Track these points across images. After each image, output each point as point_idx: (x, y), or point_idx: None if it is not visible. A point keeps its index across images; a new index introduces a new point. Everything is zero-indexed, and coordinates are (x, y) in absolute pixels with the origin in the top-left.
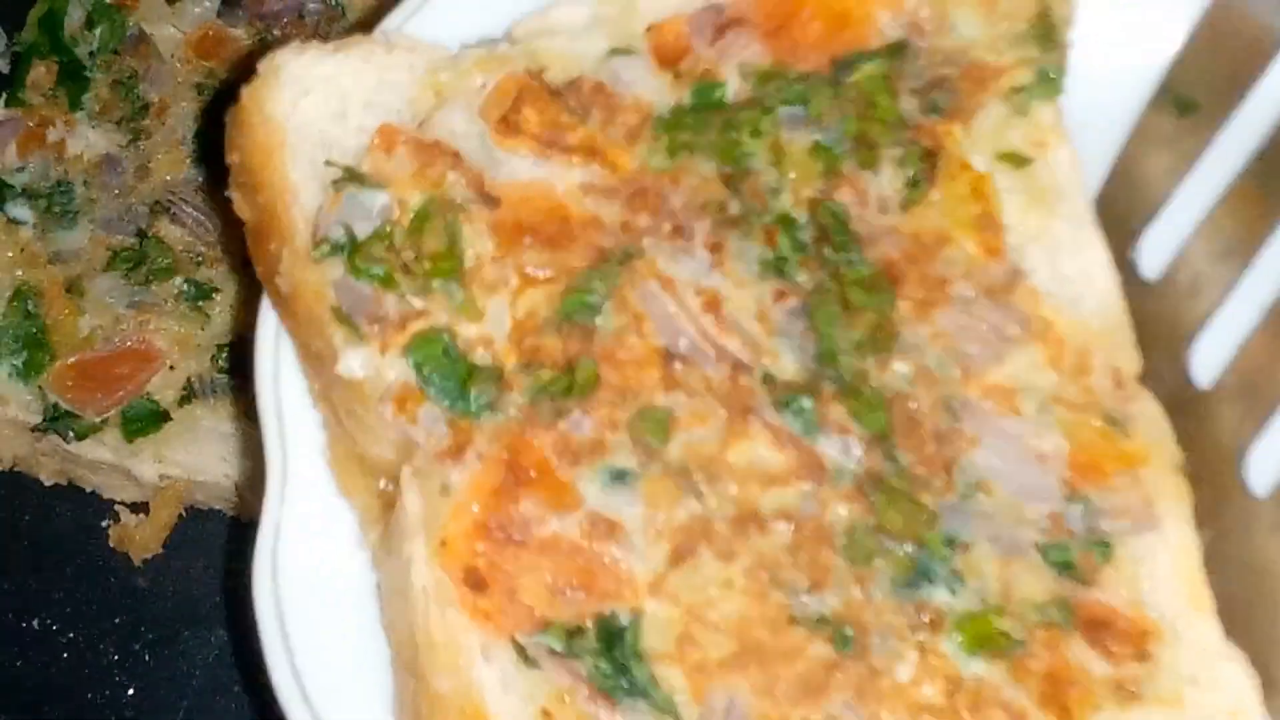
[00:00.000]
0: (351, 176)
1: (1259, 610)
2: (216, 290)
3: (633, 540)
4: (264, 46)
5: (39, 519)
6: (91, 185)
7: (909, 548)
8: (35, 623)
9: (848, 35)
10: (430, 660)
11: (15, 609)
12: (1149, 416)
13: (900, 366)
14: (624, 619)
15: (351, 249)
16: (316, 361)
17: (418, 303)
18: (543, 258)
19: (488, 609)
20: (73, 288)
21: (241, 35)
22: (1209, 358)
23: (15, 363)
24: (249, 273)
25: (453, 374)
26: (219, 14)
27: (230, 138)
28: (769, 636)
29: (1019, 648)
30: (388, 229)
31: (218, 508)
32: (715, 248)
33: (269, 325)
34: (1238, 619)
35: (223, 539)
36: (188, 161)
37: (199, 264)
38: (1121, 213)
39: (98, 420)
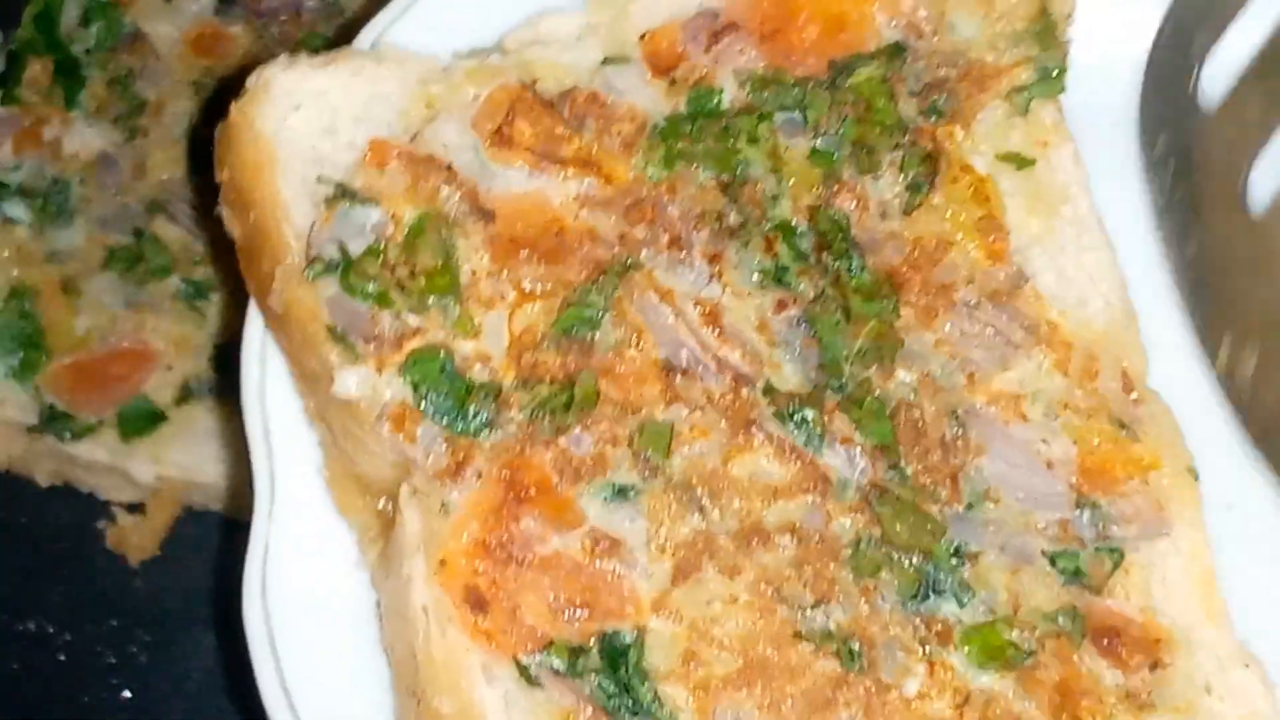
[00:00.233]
0: (343, 192)
1: None
2: (213, 290)
3: (635, 557)
4: (262, 45)
5: (35, 520)
6: (88, 184)
7: (916, 559)
8: (32, 624)
9: (845, 38)
10: (431, 681)
11: (11, 611)
12: (1159, 419)
13: (904, 375)
14: (627, 637)
15: (345, 266)
16: (311, 381)
17: (413, 320)
18: (539, 271)
19: (489, 628)
20: (69, 287)
21: (239, 33)
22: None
23: (11, 363)
24: (240, 288)
25: (450, 392)
26: (216, 11)
27: (219, 154)
28: (775, 652)
29: (1029, 659)
30: (382, 245)
31: (215, 509)
32: (714, 258)
33: (254, 344)
34: None
35: (219, 540)
36: (184, 160)
37: (196, 263)
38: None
39: (94, 421)
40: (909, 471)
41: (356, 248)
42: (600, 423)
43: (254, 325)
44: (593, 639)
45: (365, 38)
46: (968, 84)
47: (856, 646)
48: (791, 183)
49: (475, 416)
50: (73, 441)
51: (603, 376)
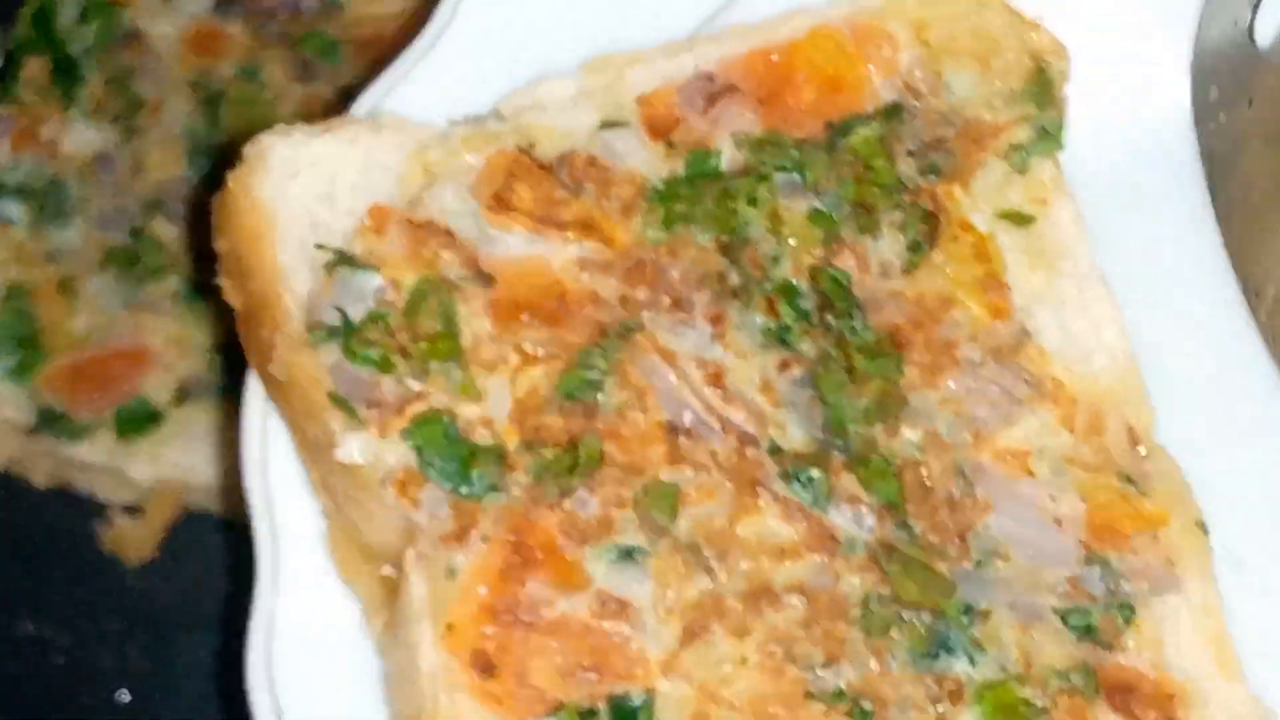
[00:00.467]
0: (343, 259)
1: None
2: (212, 290)
3: (644, 619)
4: (261, 44)
5: (32, 522)
6: (85, 183)
7: (926, 617)
8: (30, 626)
9: (841, 100)
10: None
11: (9, 613)
12: (1166, 474)
13: (910, 433)
14: (637, 699)
15: (346, 332)
16: (314, 449)
17: (416, 385)
18: (541, 335)
19: (498, 692)
20: (66, 287)
21: (237, 32)
22: None
23: (8, 363)
24: (239, 362)
25: (454, 456)
26: (214, 10)
27: (218, 225)
28: (786, 713)
29: (1042, 716)
30: (383, 311)
31: (213, 510)
32: (716, 319)
33: (255, 415)
34: None
35: (218, 542)
36: (183, 159)
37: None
38: None
39: (92, 421)
40: (917, 529)
41: (357, 313)
42: (605, 485)
43: (254, 396)
44: (602, 701)
45: (362, 106)
46: (966, 143)
47: (868, 706)
48: (792, 243)
49: (480, 480)
50: (70, 442)
51: (607, 438)
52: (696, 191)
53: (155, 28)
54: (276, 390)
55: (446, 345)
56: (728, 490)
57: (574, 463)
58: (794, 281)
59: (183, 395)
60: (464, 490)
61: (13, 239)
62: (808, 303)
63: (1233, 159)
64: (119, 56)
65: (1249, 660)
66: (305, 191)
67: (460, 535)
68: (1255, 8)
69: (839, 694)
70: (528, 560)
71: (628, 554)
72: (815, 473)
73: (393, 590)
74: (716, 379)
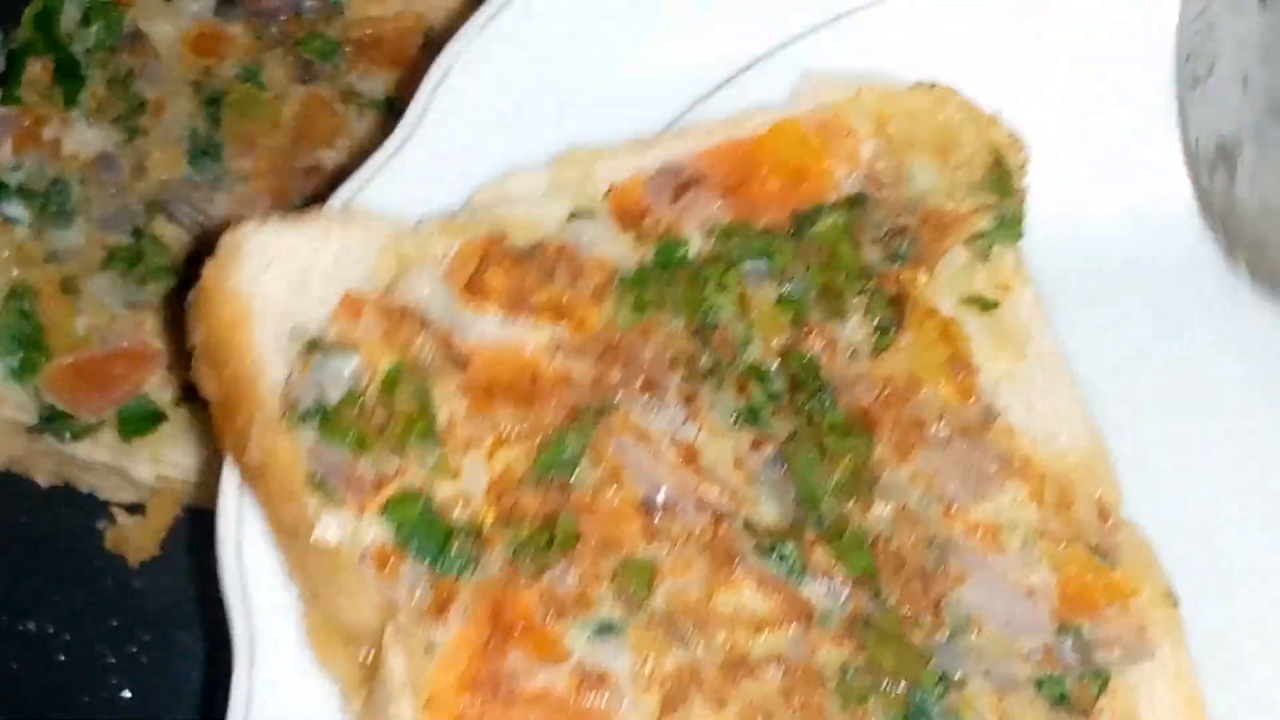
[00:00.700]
0: (319, 344)
1: None
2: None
3: (623, 690)
4: (262, 45)
5: (35, 521)
6: (88, 184)
7: (902, 687)
8: (31, 625)
9: (806, 190)
10: None
11: (11, 611)
12: (1135, 547)
13: (881, 508)
14: None
15: (323, 414)
16: (290, 532)
17: (392, 464)
18: (516, 415)
19: None
20: (68, 287)
21: (238, 33)
22: None
23: (10, 363)
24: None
25: (432, 533)
26: (215, 11)
27: (194, 316)
28: None
29: None
30: (358, 393)
31: (215, 509)
32: (688, 399)
33: (230, 502)
34: None
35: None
36: (184, 160)
37: (187, 263)
38: None
39: (94, 421)
40: (891, 601)
41: (333, 396)
42: (582, 560)
43: (229, 484)
44: None
45: (336, 200)
46: (929, 230)
47: None
48: (760, 327)
49: (458, 556)
50: (72, 441)
51: (582, 515)
52: (666, 278)
53: (157, 29)
54: (253, 476)
55: (422, 426)
56: (703, 564)
57: (550, 539)
58: (764, 363)
59: (184, 395)
60: (442, 566)
61: (15, 239)
62: (778, 383)
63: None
64: (121, 57)
65: None
66: (280, 281)
67: (439, 610)
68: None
69: None
70: (507, 634)
71: (606, 627)
72: (789, 547)
73: (370, 673)
74: (690, 457)
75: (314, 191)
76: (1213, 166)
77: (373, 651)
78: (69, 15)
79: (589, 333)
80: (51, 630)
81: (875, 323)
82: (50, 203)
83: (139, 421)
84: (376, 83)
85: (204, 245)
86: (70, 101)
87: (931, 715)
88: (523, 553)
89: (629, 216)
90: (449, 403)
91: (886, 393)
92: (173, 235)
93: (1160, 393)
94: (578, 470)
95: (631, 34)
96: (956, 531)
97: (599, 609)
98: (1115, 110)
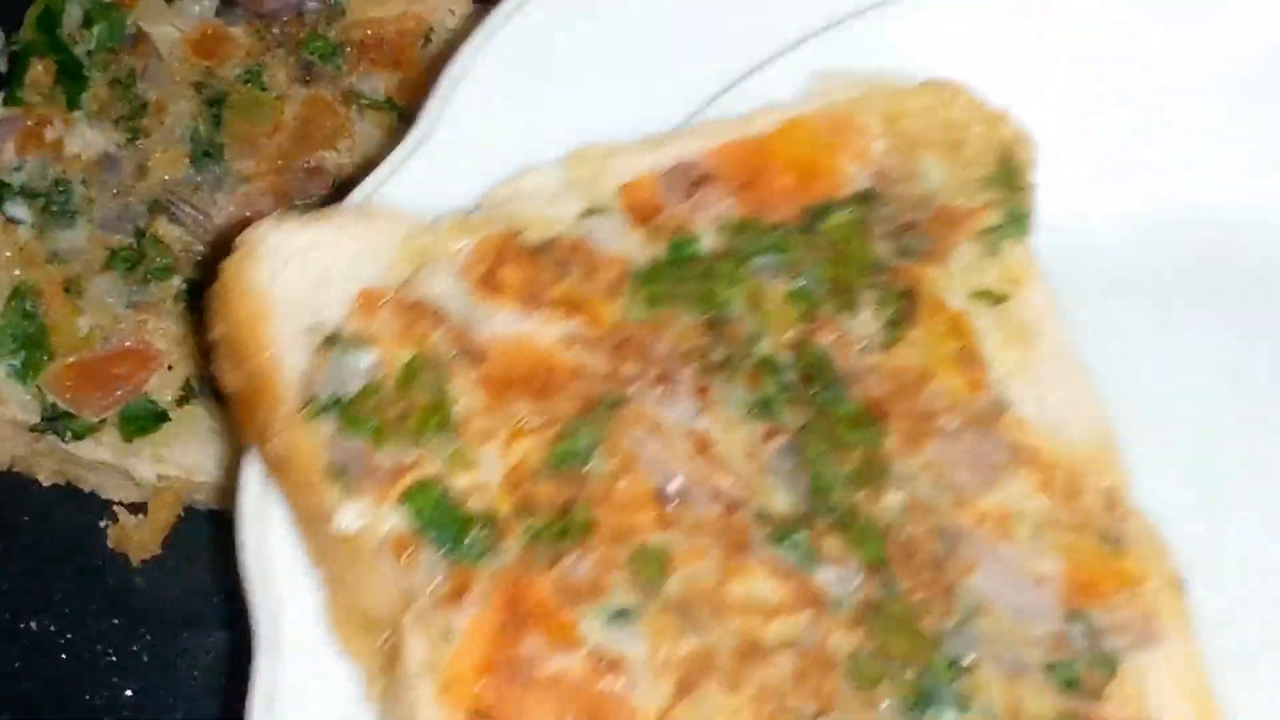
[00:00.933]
0: (337, 339)
1: None
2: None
3: (637, 675)
4: (264, 46)
5: (37, 520)
6: (90, 184)
7: (913, 671)
8: (33, 624)
9: (817, 186)
10: None
11: (13, 610)
12: (1144, 535)
13: (892, 497)
14: None
15: (342, 407)
16: (311, 522)
17: (410, 455)
18: (531, 408)
19: None
20: (71, 287)
21: (240, 34)
22: None
23: (13, 363)
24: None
25: (449, 522)
26: (217, 13)
27: (213, 313)
28: None
29: None
30: (376, 386)
31: (217, 508)
32: (701, 392)
33: (252, 494)
34: None
35: (222, 540)
36: (186, 160)
37: (198, 263)
38: None
39: (96, 420)
40: (902, 588)
41: (352, 389)
42: (597, 548)
43: (251, 477)
44: None
45: (353, 198)
46: (939, 226)
47: None
48: (772, 321)
49: (474, 544)
50: (75, 441)
51: (597, 505)
52: (679, 273)
53: (159, 30)
54: (273, 469)
55: (438, 418)
56: (717, 552)
57: (565, 528)
58: (775, 356)
59: (187, 395)
60: (459, 554)
61: (18, 240)
62: (790, 376)
63: None
64: (123, 59)
65: (1231, 715)
66: (298, 277)
67: (456, 597)
68: None
69: None
70: (522, 620)
71: (620, 614)
72: (801, 536)
73: (391, 659)
74: (703, 448)
75: (316, 192)
76: None
77: (392, 637)
78: (71, 16)
79: (603, 327)
80: (53, 629)
81: (886, 317)
82: (53, 203)
83: (141, 421)
84: (378, 84)
85: (208, 247)
86: (72, 102)
87: (942, 699)
88: (538, 541)
89: (642, 213)
90: (466, 395)
91: (897, 385)
92: (175, 236)
93: (1168, 384)
94: (592, 461)
95: (644, 34)
96: (966, 520)
97: (613, 596)
98: (1119, 109)
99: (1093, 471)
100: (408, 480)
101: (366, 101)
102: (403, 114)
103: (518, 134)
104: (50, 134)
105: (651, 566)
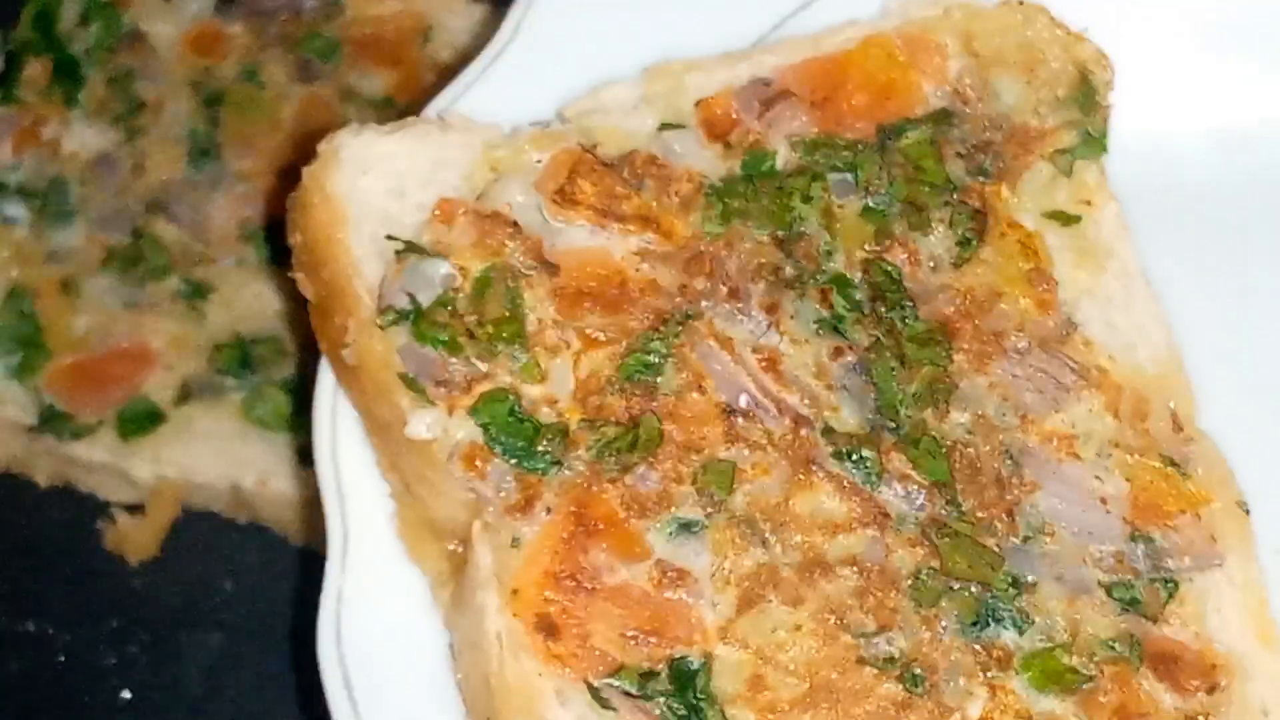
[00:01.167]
0: (412, 248)
1: None
2: (212, 289)
3: (701, 587)
4: (261, 44)
5: (34, 521)
6: (87, 183)
7: (975, 589)
8: (31, 625)
9: (892, 105)
10: (505, 707)
11: (10, 611)
12: (1209, 457)
13: (959, 416)
14: (695, 662)
15: (416, 316)
16: (384, 430)
17: (482, 366)
18: (603, 321)
19: (561, 654)
20: (68, 287)
21: (238, 32)
22: None
23: (10, 363)
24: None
25: (519, 433)
26: (215, 11)
27: (292, 219)
28: (839, 677)
29: (1088, 683)
30: (450, 296)
31: (214, 509)
32: (771, 308)
33: (326, 400)
34: None
35: (219, 541)
36: (184, 159)
37: (195, 263)
38: None
39: (93, 421)
40: (966, 507)
41: (426, 299)
42: (665, 461)
43: (325, 382)
44: (662, 664)
45: (431, 109)
46: (1013, 146)
47: (919, 671)
48: (844, 238)
49: (544, 455)
50: (72, 441)
51: (666, 418)
52: (753, 189)
53: (156, 28)
54: (347, 376)
55: (511, 329)
56: (783, 468)
57: (634, 441)
58: (846, 274)
59: (184, 395)
60: (529, 465)
61: (15, 239)
62: (860, 294)
63: None
64: (120, 57)
65: None
66: (376, 186)
67: (525, 507)
68: None
69: (891, 659)
70: (590, 531)
71: (686, 526)
72: (867, 452)
73: (459, 566)
74: (772, 364)
75: None
76: None
77: (460, 546)
78: (68, 15)
79: (676, 242)
80: (51, 630)
81: (957, 235)
82: (50, 202)
83: (138, 421)
84: (376, 82)
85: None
86: (70, 101)
87: (1003, 617)
88: (607, 453)
89: (717, 128)
90: (538, 307)
91: (967, 304)
92: (172, 235)
93: (1236, 307)
94: (662, 375)
95: None
96: (1032, 440)
97: (680, 508)
98: (1195, 29)
99: (1159, 393)
100: (479, 390)
101: (364, 99)
102: (401, 112)
103: (594, 48)
104: (47, 133)
105: (718, 480)
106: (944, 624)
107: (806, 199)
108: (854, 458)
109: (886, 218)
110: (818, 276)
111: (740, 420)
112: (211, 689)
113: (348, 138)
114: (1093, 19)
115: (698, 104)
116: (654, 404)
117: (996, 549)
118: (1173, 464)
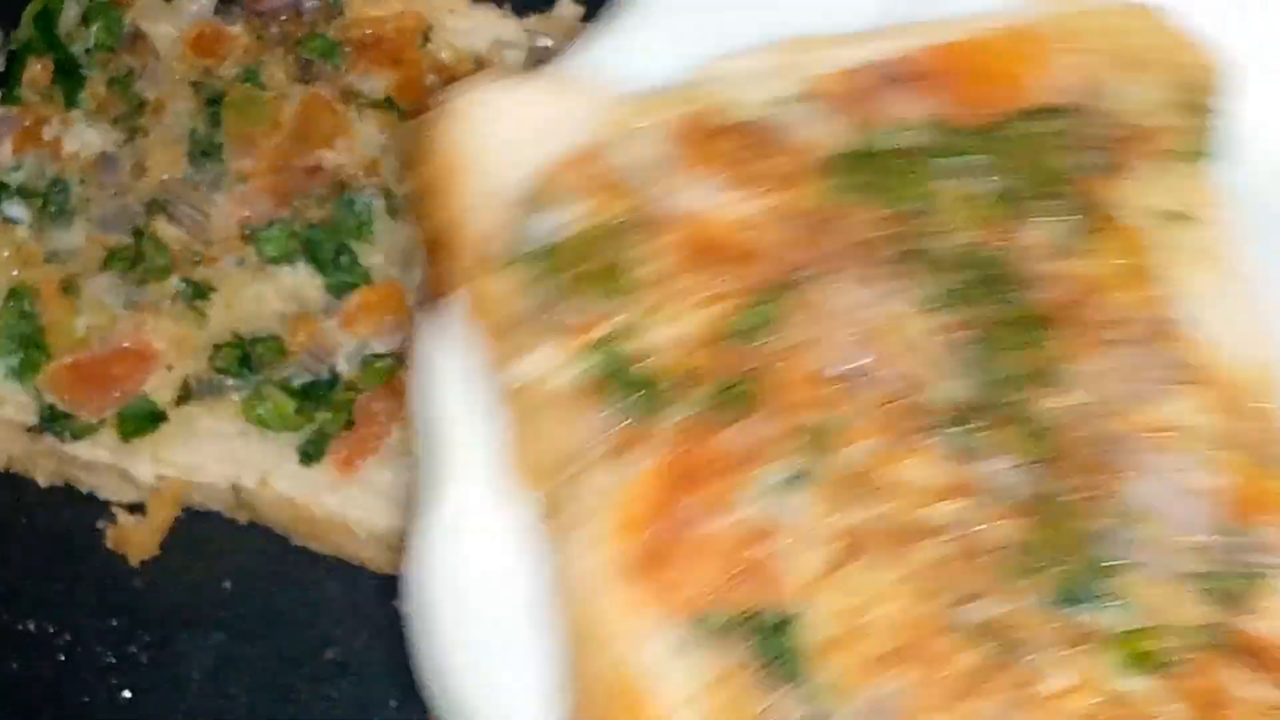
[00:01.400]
0: (531, 197)
1: None
2: (213, 289)
3: (795, 543)
4: (262, 45)
5: (35, 520)
6: (88, 184)
7: (1065, 566)
8: (30, 625)
9: (1010, 96)
10: (597, 640)
11: (11, 611)
12: None
13: (1060, 400)
14: (784, 615)
15: (528, 262)
16: (493, 369)
17: (593, 312)
18: (712, 280)
19: (657, 590)
20: (69, 287)
21: (238, 32)
22: None
23: (11, 363)
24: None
25: (625, 380)
26: (215, 11)
27: (413, 161)
28: (926, 640)
29: (1175, 667)
30: (564, 245)
31: (215, 508)
32: (881, 281)
33: (427, 339)
34: None
35: (221, 540)
36: (184, 160)
37: (196, 263)
38: None
39: (94, 421)
40: (1059, 488)
41: (541, 246)
42: (769, 418)
43: (426, 326)
44: (753, 611)
45: (554, 67)
46: (1125, 144)
47: (1004, 642)
48: (961, 219)
49: (648, 403)
50: (73, 441)
51: (770, 378)
52: (872, 165)
53: (157, 29)
54: (458, 317)
55: (624, 280)
56: (884, 434)
57: (738, 396)
58: (956, 254)
59: (184, 395)
60: (633, 411)
61: (15, 239)
62: (969, 275)
63: None
64: (121, 57)
65: None
66: (498, 135)
67: (629, 450)
68: None
69: (977, 628)
70: (690, 479)
71: (784, 483)
72: (969, 425)
73: (559, 505)
74: (879, 335)
75: (315, 191)
76: None
77: (562, 486)
78: (69, 15)
79: (794, 208)
80: (51, 630)
81: (1065, 228)
82: (50, 203)
83: (139, 421)
84: (377, 82)
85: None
86: (70, 101)
87: (1088, 598)
88: (710, 405)
89: (840, 104)
90: (651, 261)
91: (1071, 295)
92: (173, 235)
93: None
94: (771, 336)
95: None
96: (1131, 430)
97: (780, 464)
98: None
99: (1260, 393)
100: (589, 336)
101: (365, 100)
102: (402, 113)
103: (721, 16)
104: (48, 133)
105: (819, 440)
106: (1033, 598)
107: (923, 179)
108: (953, 431)
109: (997, 204)
110: (928, 255)
111: (844, 386)
112: (212, 689)
113: (472, 87)
114: (1211, 23)
115: (822, 78)
116: (759, 363)
117: (1089, 531)
118: (1273, 462)
